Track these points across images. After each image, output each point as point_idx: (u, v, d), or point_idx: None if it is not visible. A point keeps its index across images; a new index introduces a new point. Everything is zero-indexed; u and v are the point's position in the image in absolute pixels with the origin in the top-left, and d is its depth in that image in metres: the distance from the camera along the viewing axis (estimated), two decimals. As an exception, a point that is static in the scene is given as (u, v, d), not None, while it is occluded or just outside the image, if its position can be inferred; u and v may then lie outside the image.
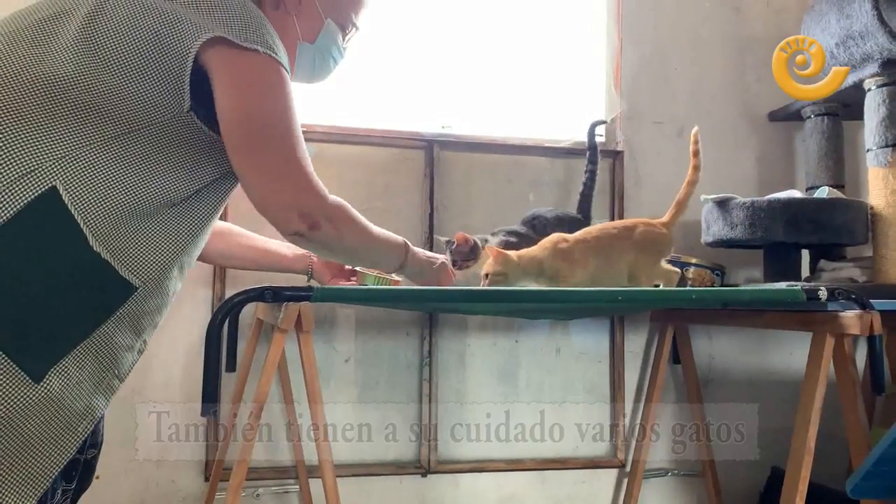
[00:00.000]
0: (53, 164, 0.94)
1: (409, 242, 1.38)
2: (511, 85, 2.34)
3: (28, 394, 0.92)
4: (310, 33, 1.26)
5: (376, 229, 1.26)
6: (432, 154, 2.20)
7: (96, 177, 0.96)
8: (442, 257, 1.54)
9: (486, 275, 1.51)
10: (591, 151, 2.14)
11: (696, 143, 1.63)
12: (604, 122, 2.28)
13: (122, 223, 0.98)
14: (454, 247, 1.62)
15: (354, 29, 1.32)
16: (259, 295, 1.26)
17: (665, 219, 1.63)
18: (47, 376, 0.93)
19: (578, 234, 1.61)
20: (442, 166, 2.22)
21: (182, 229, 1.06)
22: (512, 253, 1.54)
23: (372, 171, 2.18)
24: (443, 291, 1.48)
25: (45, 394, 0.93)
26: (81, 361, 0.96)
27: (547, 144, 2.30)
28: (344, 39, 1.31)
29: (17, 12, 1.05)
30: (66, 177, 0.94)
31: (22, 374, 0.91)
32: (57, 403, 0.94)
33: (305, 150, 1.07)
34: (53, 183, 0.93)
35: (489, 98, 2.33)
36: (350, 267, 1.64)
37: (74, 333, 0.96)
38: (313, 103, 2.14)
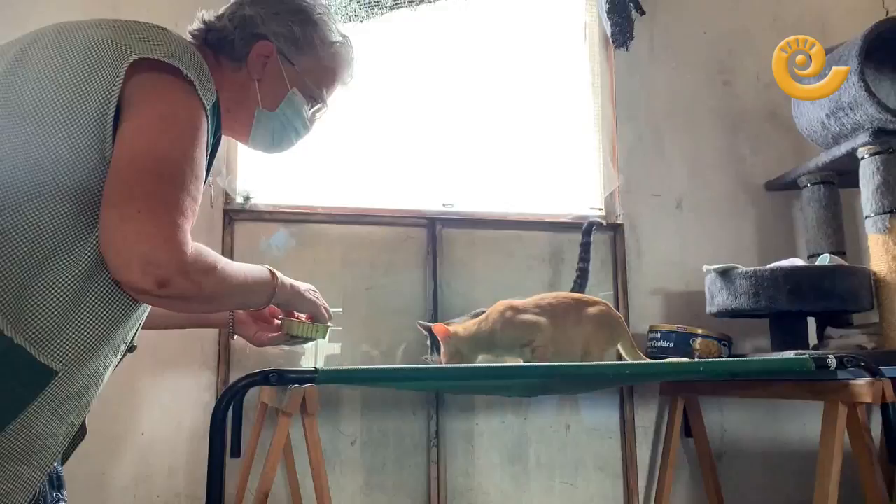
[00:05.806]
0: None
1: (274, 271, 1.14)
2: (511, 162, 2.38)
3: None
4: (271, 100, 1.16)
5: (238, 267, 1.05)
6: (434, 231, 2.23)
7: (6, 250, 0.85)
8: (305, 285, 1.25)
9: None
10: (582, 248, 2.09)
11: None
12: (600, 223, 2.19)
13: (37, 301, 0.86)
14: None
15: (324, 105, 1.23)
16: (264, 378, 1.25)
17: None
18: None
19: (530, 300, 1.60)
20: (444, 243, 2.24)
21: (110, 304, 0.92)
22: (453, 329, 1.54)
23: (375, 249, 2.20)
24: (449, 369, 1.47)
25: None
26: None
27: (548, 219, 2.32)
28: (311, 112, 1.22)
29: None
30: None
31: None
32: None
33: (186, 201, 0.89)
34: None
35: (490, 175, 2.36)
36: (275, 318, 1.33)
37: None
38: (316, 184, 2.18)
